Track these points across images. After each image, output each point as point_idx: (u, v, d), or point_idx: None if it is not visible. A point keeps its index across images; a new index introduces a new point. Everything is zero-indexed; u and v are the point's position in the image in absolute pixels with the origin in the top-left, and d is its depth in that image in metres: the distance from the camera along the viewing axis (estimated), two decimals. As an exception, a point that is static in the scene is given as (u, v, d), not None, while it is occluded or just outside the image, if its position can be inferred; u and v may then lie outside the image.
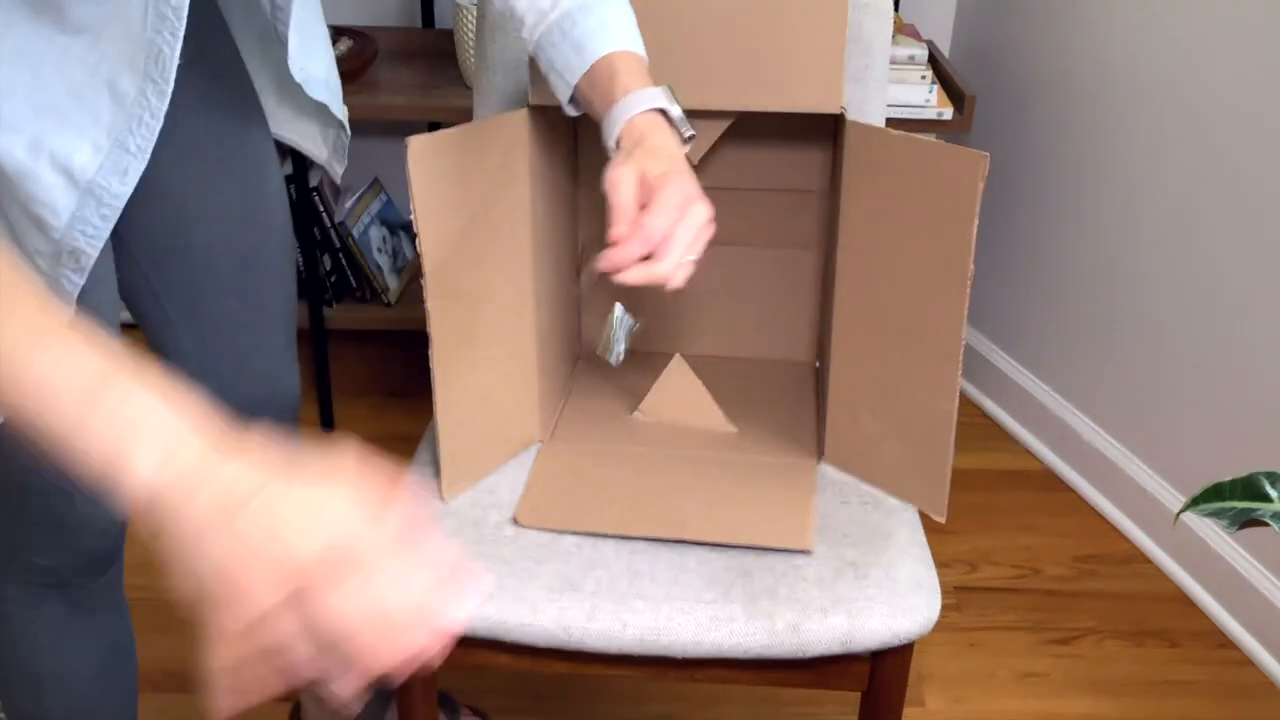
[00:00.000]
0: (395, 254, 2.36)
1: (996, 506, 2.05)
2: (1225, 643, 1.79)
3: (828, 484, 1.25)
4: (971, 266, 1.09)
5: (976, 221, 1.07)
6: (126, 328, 1.08)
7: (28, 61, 0.88)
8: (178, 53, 0.91)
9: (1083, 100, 1.96)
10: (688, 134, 1.00)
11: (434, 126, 1.75)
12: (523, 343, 1.25)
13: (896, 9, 2.15)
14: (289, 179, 2.06)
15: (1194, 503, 0.93)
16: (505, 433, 1.26)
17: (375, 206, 2.34)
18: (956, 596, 1.86)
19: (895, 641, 1.09)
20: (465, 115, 1.37)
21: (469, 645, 1.15)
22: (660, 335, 1.43)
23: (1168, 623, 1.83)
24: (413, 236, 1.18)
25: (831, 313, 1.24)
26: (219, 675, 0.63)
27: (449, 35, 2.14)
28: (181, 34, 0.91)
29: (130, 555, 1.22)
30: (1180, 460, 1.88)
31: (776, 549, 1.15)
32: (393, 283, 2.31)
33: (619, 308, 1.13)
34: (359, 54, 2.05)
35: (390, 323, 2.28)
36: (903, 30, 2.03)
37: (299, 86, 1.09)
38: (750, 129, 1.31)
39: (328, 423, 2.23)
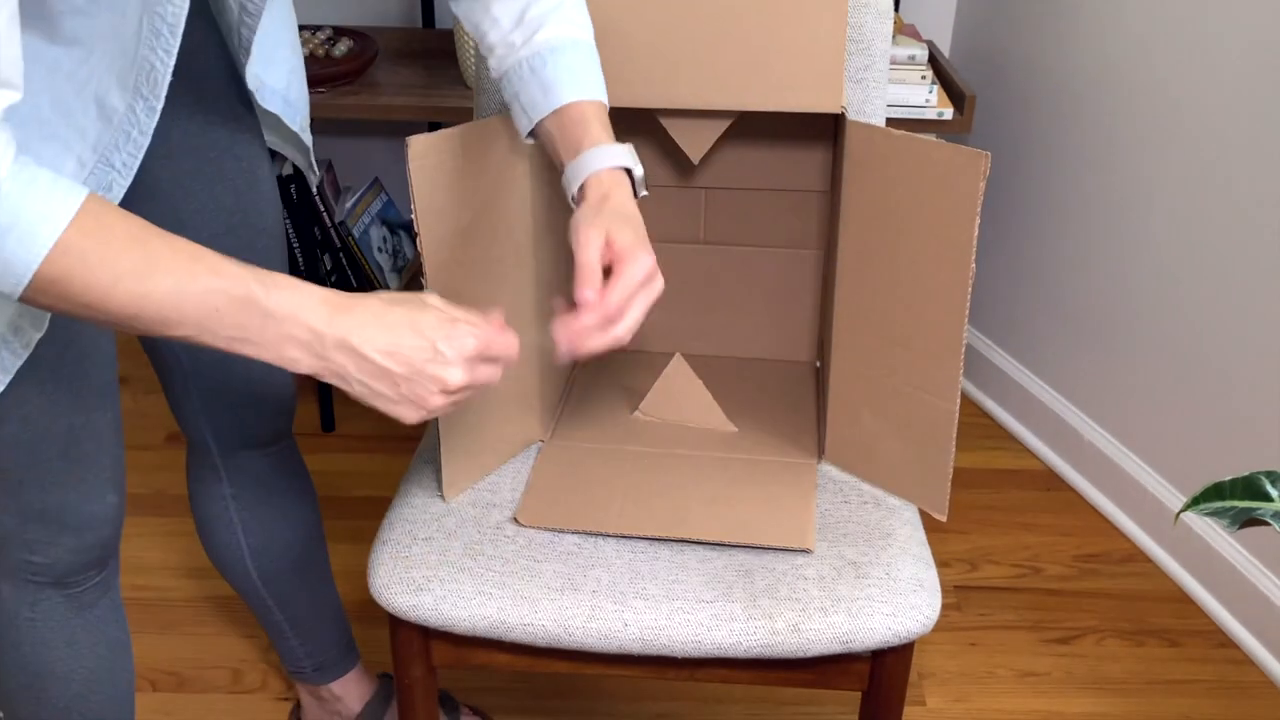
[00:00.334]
0: (395, 254, 2.36)
1: (997, 506, 2.05)
2: (1225, 642, 1.79)
3: (828, 483, 1.25)
4: (973, 266, 1.09)
5: (977, 221, 1.07)
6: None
7: None
8: (170, 70, 0.90)
9: (1083, 100, 1.96)
10: (642, 194, 1.05)
11: (434, 126, 1.75)
12: (523, 342, 1.25)
13: (896, 9, 2.15)
14: (290, 179, 2.06)
15: (1194, 502, 0.93)
16: (506, 432, 1.26)
17: (375, 206, 2.34)
18: (957, 595, 1.86)
19: (895, 641, 1.10)
20: (465, 115, 1.37)
21: (469, 645, 1.15)
22: (660, 335, 1.43)
23: (1168, 622, 1.83)
24: (413, 236, 1.18)
25: (832, 312, 1.24)
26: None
27: (449, 35, 2.14)
28: (175, 51, 0.90)
29: (128, 555, 1.22)
30: (1180, 460, 1.88)
31: (777, 548, 1.15)
32: (393, 282, 2.31)
33: None
34: (359, 54, 2.05)
35: (390, 322, 2.27)
36: (903, 30, 2.03)
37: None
38: (750, 129, 1.31)
39: (327, 423, 2.23)
